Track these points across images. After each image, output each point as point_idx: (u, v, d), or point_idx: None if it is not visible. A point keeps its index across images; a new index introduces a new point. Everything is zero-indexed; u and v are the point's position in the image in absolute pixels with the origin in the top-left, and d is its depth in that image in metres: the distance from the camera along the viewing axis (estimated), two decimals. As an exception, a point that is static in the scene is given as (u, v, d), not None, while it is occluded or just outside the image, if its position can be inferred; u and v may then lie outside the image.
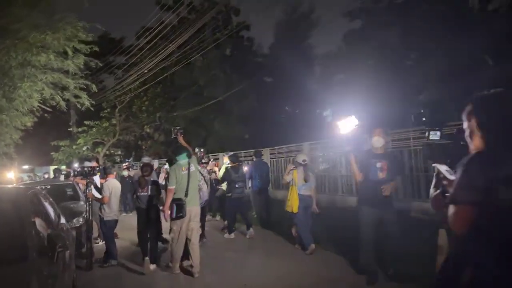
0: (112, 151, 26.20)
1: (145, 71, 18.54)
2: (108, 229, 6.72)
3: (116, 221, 6.90)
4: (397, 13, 11.64)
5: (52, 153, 22.57)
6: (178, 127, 6.61)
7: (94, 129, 22.40)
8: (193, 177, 5.72)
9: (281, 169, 14.18)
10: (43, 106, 11.46)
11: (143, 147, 25.68)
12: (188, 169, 5.67)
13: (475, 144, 1.75)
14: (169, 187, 5.72)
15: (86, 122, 22.30)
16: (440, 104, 11.50)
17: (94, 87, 10.79)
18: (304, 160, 6.69)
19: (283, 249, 7.05)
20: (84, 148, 21.65)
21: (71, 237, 4.94)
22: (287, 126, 21.92)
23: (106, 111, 22.82)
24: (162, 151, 23.16)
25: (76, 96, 10.31)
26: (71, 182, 8.27)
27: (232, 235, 8.16)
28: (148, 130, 22.93)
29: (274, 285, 5.30)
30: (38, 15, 8.14)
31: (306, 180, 6.57)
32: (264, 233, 8.42)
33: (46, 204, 4.27)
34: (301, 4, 25.50)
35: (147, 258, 6.08)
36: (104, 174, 7.08)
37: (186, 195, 5.59)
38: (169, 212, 5.57)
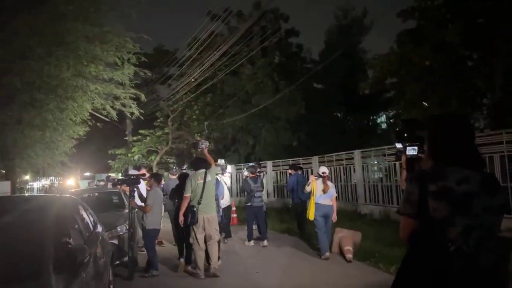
0: (165, 159, 26.92)
1: (193, 80, 18.82)
2: (150, 238, 6.66)
3: (158, 231, 6.85)
4: (456, 10, 10.73)
5: (109, 161, 23.57)
6: (203, 140, 6.96)
7: (148, 138, 23.13)
8: (208, 186, 6.15)
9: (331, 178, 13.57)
10: (97, 114, 11.96)
11: (194, 155, 26.15)
12: (204, 178, 6.13)
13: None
14: (184, 195, 6.20)
15: (141, 131, 23.10)
16: (508, 108, 10.38)
17: (143, 97, 11.02)
18: (323, 173, 7.23)
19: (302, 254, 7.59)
20: (136, 157, 22.39)
21: (108, 247, 4.89)
22: (337, 134, 21.25)
23: (159, 120, 23.51)
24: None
25: (126, 106, 10.59)
26: (117, 190, 8.40)
27: (252, 243, 8.54)
28: (198, 139, 23.21)
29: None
30: (89, 28, 8.46)
31: (324, 192, 7.04)
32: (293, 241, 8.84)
33: (82, 213, 4.23)
34: (353, 9, 24.85)
35: (182, 259, 6.68)
36: (156, 182, 6.96)
37: (199, 203, 6.05)
38: (183, 218, 6.11)
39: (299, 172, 10.16)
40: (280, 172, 16.41)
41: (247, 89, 20.48)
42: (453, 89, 11.13)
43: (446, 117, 1.98)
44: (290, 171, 10.52)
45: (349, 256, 6.61)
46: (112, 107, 10.32)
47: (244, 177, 10.40)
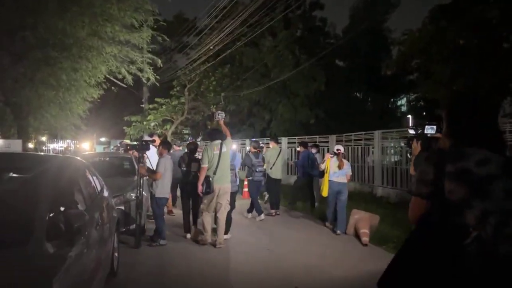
0: (180, 129, 26.81)
1: (211, 47, 18.31)
2: (158, 207, 6.46)
3: (166, 199, 6.67)
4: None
5: (124, 128, 23.54)
6: (220, 111, 6.91)
7: (164, 107, 22.92)
8: (223, 157, 6.20)
9: (348, 157, 13.14)
10: (113, 79, 11.70)
11: (209, 127, 25.91)
12: (220, 149, 6.19)
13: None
14: (202, 165, 6.31)
15: (157, 100, 22.89)
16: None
17: (159, 62, 10.69)
18: (338, 150, 7.43)
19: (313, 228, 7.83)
20: (152, 124, 22.27)
21: (114, 213, 4.68)
22: (356, 114, 20.59)
23: (175, 89, 23.21)
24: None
25: (142, 70, 10.28)
26: (129, 156, 8.19)
27: (250, 215, 8.70)
28: (214, 110, 22.91)
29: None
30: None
31: (340, 168, 7.20)
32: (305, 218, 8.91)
33: (87, 177, 3.98)
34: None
35: (193, 227, 6.86)
36: (165, 149, 6.69)
37: (214, 173, 6.14)
38: (201, 187, 6.17)
39: (312, 149, 10.13)
40: (295, 150, 16.04)
41: (266, 62, 19.88)
42: (484, 73, 10.41)
43: (468, 95, 1.92)
44: (299, 148, 10.54)
45: (365, 239, 6.31)
46: (127, 71, 10.03)
47: (246, 152, 10.51)
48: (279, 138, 16.58)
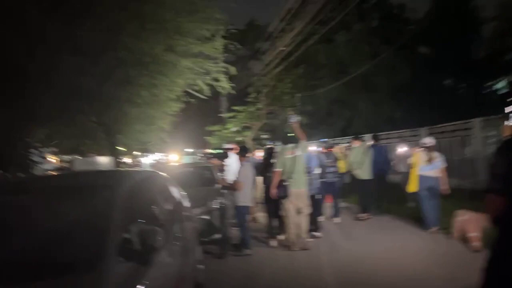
0: (259, 135, 27.00)
1: (284, 48, 18.06)
2: (241, 216, 6.30)
3: (248, 208, 6.48)
4: None
5: (205, 137, 24.36)
6: (294, 115, 7.04)
7: (242, 114, 23.29)
8: (298, 161, 6.13)
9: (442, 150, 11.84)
10: (191, 91, 12.03)
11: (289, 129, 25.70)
12: (294, 153, 6.14)
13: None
14: (275, 170, 6.27)
15: (235, 107, 23.32)
16: None
17: (234, 70, 10.70)
18: (427, 143, 6.99)
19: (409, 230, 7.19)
20: (234, 129, 22.69)
21: (196, 224, 4.58)
22: (446, 103, 18.65)
23: (251, 96, 23.43)
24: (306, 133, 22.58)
25: (217, 80, 10.37)
26: (209, 165, 8.25)
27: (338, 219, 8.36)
28: (291, 113, 22.63)
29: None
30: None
31: (430, 161, 6.78)
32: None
33: (165, 189, 3.92)
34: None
35: (276, 238, 6.65)
36: (242, 155, 6.56)
37: (290, 177, 6.10)
38: (274, 192, 6.16)
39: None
40: (382, 147, 14.98)
41: (342, 57, 19.06)
42: None
43: None
44: (369, 142, 9.75)
45: (476, 244, 5.43)
46: (203, 82, 10.18)
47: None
48: (361, 135, 15.70)
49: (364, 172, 8.56)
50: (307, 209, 6.27)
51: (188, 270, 3.51)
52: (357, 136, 9.87)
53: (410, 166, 7.61)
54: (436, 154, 6.91)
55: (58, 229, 2.30)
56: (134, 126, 10.19)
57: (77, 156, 13.25)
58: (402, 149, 9.49)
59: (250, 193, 6.36)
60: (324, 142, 9.48)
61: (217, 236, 6.19)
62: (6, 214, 2.44)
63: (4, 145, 5.96)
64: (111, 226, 2.29)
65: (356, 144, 9.22)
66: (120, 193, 2.65)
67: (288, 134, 6.85)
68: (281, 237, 6.59)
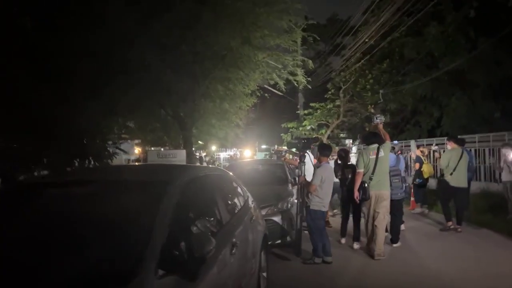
0: (336, 133, 25.96)
1: (366, 40, 16.93)
2: (313, 221, 5.75)
3: (323, 213, 5.89)
4: None
5: (281, 134, 24.05)
6: (379, 115, 6.54)
7: (319, 111, 22.51)
8: (381, 162, 5.84)
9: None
10: (267, 87, 11.77)
11: (367, 129, 24.29)
12: (377, 154, 5.84)
13: None
14: (357, 171, 6.01)
15: (312, 104, 22.64)
16: None
17: (310, 63, 10.18)
18: None
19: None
20: (308, 127, 22.07)
21: (260, 227, 4.19)
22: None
23: (330, 92, 22.56)
24: (388, 133, 21.07)
25: (293, 74, 9.94)
26: (281, 163, 7.84)
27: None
28: (372, 111, 21.26)
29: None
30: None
31: None
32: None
33: (227, 189, 3.59)
34: None
35: (343, 240, 6.64)
36: (323, 155, 5.96)
37: (370, 179, 5.85)
38: (358, 193, 5.90)
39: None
40: (476, 150, 13.32)
41: (432, 51, 17.32)
42: None
43: None
44: (449, 145, 8.28)
45: None
46: (278, 76, 9.82)
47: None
48: (441, 138, 14.14)
49: (459, 178, 7.56)
50: (387, 215, 6.04)
51: (247, 279, 3.13)
52: (452, 136, 8.70)
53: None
54: None
55: (97, 229, 2.04)
56: (208, 120, 10.19)
57: (153, 148, 13.82)
58: (508, 154, 8.20)
59: (326, 197, 5.78)
60: (395, 144, 8.42)
61: (287, 239, 5.79)
62: (48, 207, 2.28)
63: (85, 137, 6.17)
64: (155, 230, 1.97)
65: (451, 146, 8.04)
66: (173, 191, 2.35)
67: (370, 133, 6.53)
68: (357, 245, 6.44)
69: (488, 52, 15.49)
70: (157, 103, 8.41)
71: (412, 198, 10.23)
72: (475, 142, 13.42)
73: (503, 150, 8.66)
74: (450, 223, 7.51)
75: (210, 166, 5.13)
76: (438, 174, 10.45)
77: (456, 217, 7.52)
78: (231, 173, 4.13)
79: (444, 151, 9.31)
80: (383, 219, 5.92)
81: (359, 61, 20.10)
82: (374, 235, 5.85)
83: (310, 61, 10.22)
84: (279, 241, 5.76)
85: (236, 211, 3.38)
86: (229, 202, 3.38)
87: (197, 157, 14.26)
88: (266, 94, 10.70)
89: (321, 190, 5.63)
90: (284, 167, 7.56)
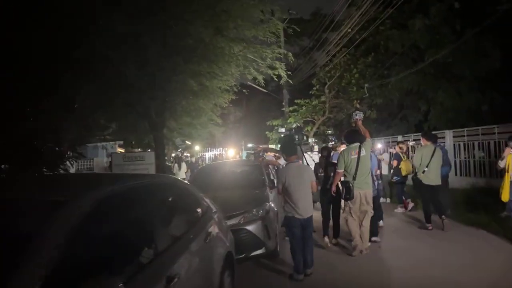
0: (322, 130, 25.45)
1: (349, 31, 16.41)
2: (289, 229, 5.12)
3: (300, 220, 5.25)
4: None
5: (266, 132, 23.45)
6: (358, 111, 6.45)
7: (304, 108, 21.95)
8: (363, 161, 5.74)
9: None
10: (251, 84, 11.08)
11: (353, 125, 23.81)
12: (359, 153, 5.73)
13: None
14: (337, 170, 5.89)
15: (296, 101, 22.07)
16: None
17: (290, 56, 9.55)
18: None
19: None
20: (294, 125, 21.51)
21: (222, 243, 3.53)
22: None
23: (315, 88, 21.99)
24: (373, 130, 20.65)
25: (273, 68, 9.28)
26: (258, 164, 7.20)
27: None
28: (358, 106, 20.78)
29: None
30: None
31: None
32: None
33: (174, 203, 2.91)
34: None
35: (326, 238, 6.40)
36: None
37: (354, 179, 5.74)
38: (335, 189, 5.94)
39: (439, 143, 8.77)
40: (464, 145, 12.90)
41: (418, 43, 16.89)
42: None
43: None
44: (422, 142, 8.15)
45: None
46: (256, 70, 9.15)
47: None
48: (440, 132, 13.69)
49: (431, 176, 7.36)
50: (371, 212, 5.96)
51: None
52: (425, 133, 8.31)
53: (502, 170, 6.80)
54: None
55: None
56: (182, 119, 9.46)
57: (118, 151, 13.05)
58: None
59: (302, 201, 5.03)
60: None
61: (260, 251, 5.15)
62: None
63: (32, 139, 5.41)
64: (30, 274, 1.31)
65: (424, 142, 7.81)
66: (67, 214, 1.68)
67: (351, 131, 6.31)
68: (334, 240, 6.47)
69: (473, 44, 15.13)
70: (121, 100, 7.65)
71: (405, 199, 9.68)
72: (464, 136, 12.99)
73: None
74: (429, 225, 7.26)
75: (155, 174, 4.47)
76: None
77: (438, 213, 7.26)
78: (184, 181, 3.45)
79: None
80: (368, 217, 5.89)
81: (344, 55, 19.59)
82: (361, 233, 5.85)
83: (290, 54, 9.58)
84: (254, 253, 5.12)
85: (182, 232, 2.70)
86: (172, 221, 2.70)
87: (172, 158, 13.43)
88: (244, 90, 10.04)
89: (289, 194, 4.96)
90: (262, 169, 6.91)
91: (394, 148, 11.15)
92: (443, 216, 7.05)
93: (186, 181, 3.92)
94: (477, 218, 7.63)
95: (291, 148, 5.30)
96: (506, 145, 7.28)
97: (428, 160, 7.30)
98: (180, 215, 2.87)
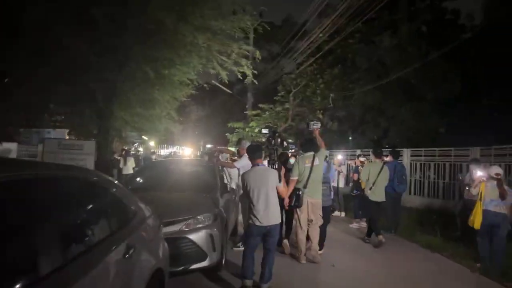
0: (284, 137, 25.20)
1: (321, 35, 16.24)
2: (246, 236, 4.60)
3: (254, 228, 4.74)
4: None
5: (227, 134, 22.80)
6: (315, 121, 6.35)
7: (267, 113, 21.55)
8: (315, 170, 5.78)
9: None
10: (216, 83, 10.44)
11: (314, 135, 23.72)
12: (312, 162, 5.77)
13: None
14: (291, 178, 5.79)
15: (261, 105, 21.62)
16: None
17: (258, 54, 9.05)
18: (497, 174, 5.92)
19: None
20: (256, 130, 21.04)
21: (151, 259, 2.87)
22: (499, 121, 16.23)
23: (280, 94, 21.63)
24: (333, 141, 20.61)
25: (238, 65, 8.71)
26: (211, 165, 6.56)
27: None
28: (320, 116, 20.68)
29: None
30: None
31: (502, 197, 5.73)
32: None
33: (84, 207, 2.22)
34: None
35: (285, 241, 6.29)
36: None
37: (305, 187, 5.75)
38: (287, 201, 5.72)
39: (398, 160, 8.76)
40: (422, 164, 12.94)
41: (384, 60, 17.03)
42: None
43: None
44: (387, 158, 8.61)
45: None
46: (221, 64, 8.54)
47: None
48: (400, 149, 13.72)
49: (379, 193, 7.39)
50: (320, 221, 5.95)
51: None
52: (377, 150, 8.19)
53: (472, 197, 6.46)
54: (507, 188, 5.90)
55: None
56: (133, 109, 8.58)
57: (51, 138, 11.92)
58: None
59: (252, 210, 4.56)
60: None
61: (202, 264, 4.51)
62: None
63: None
64: None
65: (373, 159, 7.91)
66: None
67: (307, 140, 6.29)
68: (285, 241, 6.32)
69: (437, 68, 15.43)
70: (63, 79, 6.70)
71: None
72: (421, 156, 13.04)
73: (471, 166, 8.09)
74: (380, 236, 7.13)
75: (70, 165, 3.81)
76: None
77: (376, 231, 7.27)
78: (108, 178, 2.75)
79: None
80: (316, 225, 5.90)
81: (311, 64, 19.42)
82: (310, 242, 5.88)
83: (258, 52, 9.07)
84: (195, 266, 4.47)
85: (89, 245, 2.01)
86: (76, 229, 2.01)
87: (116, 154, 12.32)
88: (205, 85, 9.38)
89: (250, 198, 4.53)
90: (215, 171, 6.27)
91: (355, 162, 10.93)
92: (379, 236, 7.06)
93: (112, 178, 3.23)
94: (426, 238, 7.50)
95: (257, 150, 4.85)
96: (463, 170, 7.30)
97: (376, 177, 7.33)
98: (90, 221, 2.18)
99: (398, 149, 9.99)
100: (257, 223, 4.43)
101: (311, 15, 19.65)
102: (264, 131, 6.72)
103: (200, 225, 4.63)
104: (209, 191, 5.50)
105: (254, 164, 4.70)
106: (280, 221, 4.76)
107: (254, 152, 4.73)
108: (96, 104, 7.56)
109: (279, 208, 4.70)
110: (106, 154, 7.91)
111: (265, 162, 5.71)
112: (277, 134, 5.95)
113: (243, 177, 4.68)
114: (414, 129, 15.79)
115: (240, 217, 6.61)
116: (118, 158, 13.40)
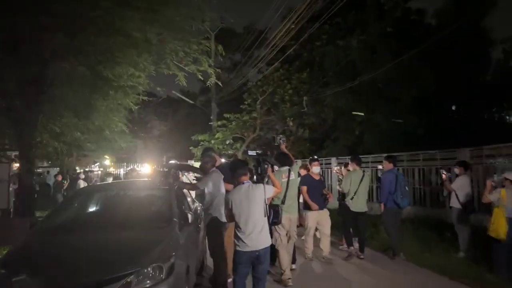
0: (253, 148, 23.86)
1: (289, 36, 15.09)
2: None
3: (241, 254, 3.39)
4: None
5: (191, 148, 21.16)
6: (281, 135, 6.44)
7: (234, 123, 20.17)
8: (292, 185, 5.81)
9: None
10: (178, 94, 8.89)
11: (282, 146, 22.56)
12: (288, 176, 5.76)
13: None
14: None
15: (226, 115, 20.22)
16: None
17: (220, 48, 7.72)
18: None
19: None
20: (227, 142, 19.59)
21: None
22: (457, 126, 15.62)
23: (246, 103, 20.34)
24: (306, 150, 19.47)
25: (197, 61, 7.27)
26: (166, 188, 4.90)
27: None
28: (291, 124, 19.55)
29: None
30: None
31: None
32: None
33: None
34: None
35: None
36: None
37: (283, 202, 5.65)
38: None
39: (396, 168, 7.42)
40: (404, 170, 11.91)
41: (354, 61, 16.14)
42: None
43: None
44: (381, 165, 8.27)
45: None
46: (177, 64, 7.06)
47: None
48: (377, 155, 12.69)
49: (359, 204, 7.08)
50: (295, 238, 5.98)
51: None
52: (354, 157, 7.60)
53: (492, 203, 5.86)
54: None
55: None
56: (66, 119, 6.83)
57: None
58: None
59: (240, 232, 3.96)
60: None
61: None
62: None
63: None
64: None
65: (352, 167, 7.46)
66: None
67: (281, 154, 5.98)
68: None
69: (410, 66, 14.70)
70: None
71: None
72: (403, 161, 12.02)
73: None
74: (351, 248, 7.10)
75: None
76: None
77: (359, 244, 7.07)
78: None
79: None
80: (292, 242, 5.94)
81: (278, 70, 18.32)
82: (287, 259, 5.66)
83: (220, 46, 7.71)
84: None
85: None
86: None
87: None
88: (159, 89, 7.87)
89: (236, 222, 4.05)
90: (170, 196, 4.63)
91: (336, 171, 9.74)
92: (351, 247, 7.05)
93: None
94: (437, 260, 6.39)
95: (241, 166, 4.30)
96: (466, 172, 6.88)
97: (357, 186, 7.03)
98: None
99: (395, 154, 9.01)
100: (246, 249, 3.95)
101: (271, 19, 18.69)
102: (251, 153, 6.19)
103: (148, 284, 3.06)
104: (162, 225, 3.95)
105: (238, 183, 4.16)
106: (270, 243, 4.19)
107: (237, 170, 4.18)
108: (17, 118, 5.77)
109: (268, 229, 4.14)
110: (29, 180, 6.09)
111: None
112: (266, 162, 5.03)
113: (227, 198, 4.27)
114: (390, 132, 14.86)
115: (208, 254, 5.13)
116: (64, 182, 11.50)
